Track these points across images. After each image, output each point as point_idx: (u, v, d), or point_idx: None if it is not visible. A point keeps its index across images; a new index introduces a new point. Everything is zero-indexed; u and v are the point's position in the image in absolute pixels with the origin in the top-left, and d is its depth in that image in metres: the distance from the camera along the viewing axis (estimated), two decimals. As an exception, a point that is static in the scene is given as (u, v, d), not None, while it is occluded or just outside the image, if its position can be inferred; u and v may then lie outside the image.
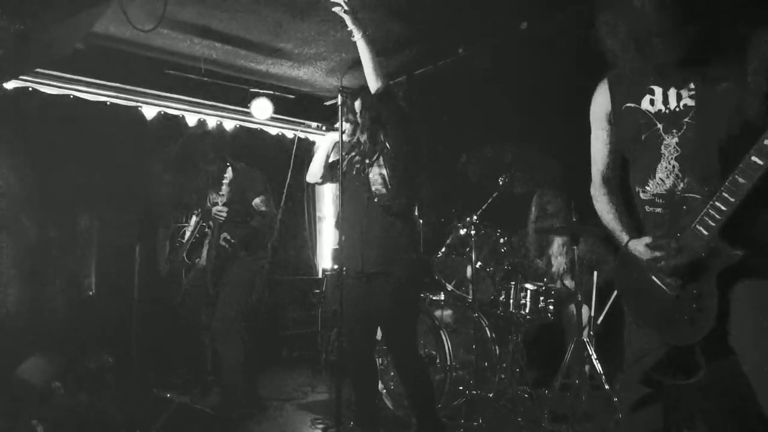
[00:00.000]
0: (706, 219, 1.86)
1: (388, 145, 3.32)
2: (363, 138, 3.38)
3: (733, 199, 1.81)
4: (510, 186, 4.46)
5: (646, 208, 2.08)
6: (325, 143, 3.61)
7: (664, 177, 1.99)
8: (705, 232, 1.87)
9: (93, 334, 5.07)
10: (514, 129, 4.97)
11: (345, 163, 3.39)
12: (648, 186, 2.04)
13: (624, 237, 2.12)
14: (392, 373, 4.24)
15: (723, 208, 1.83)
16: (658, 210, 2.03)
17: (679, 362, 2.03)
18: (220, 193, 4.12)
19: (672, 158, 1.98)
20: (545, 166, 4.36)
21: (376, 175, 3.29)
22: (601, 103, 2.21)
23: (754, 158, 1.76)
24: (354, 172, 3.39)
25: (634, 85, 2.09)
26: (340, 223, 3.44)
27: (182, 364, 5.46)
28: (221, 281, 4.24)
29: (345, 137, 3.40)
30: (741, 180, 1.78)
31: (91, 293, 5.38)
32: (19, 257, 5.18)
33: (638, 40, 1.91)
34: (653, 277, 2.04)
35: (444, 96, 5.82)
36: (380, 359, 4.31)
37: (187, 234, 4.42)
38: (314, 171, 3.61)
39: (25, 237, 5.22)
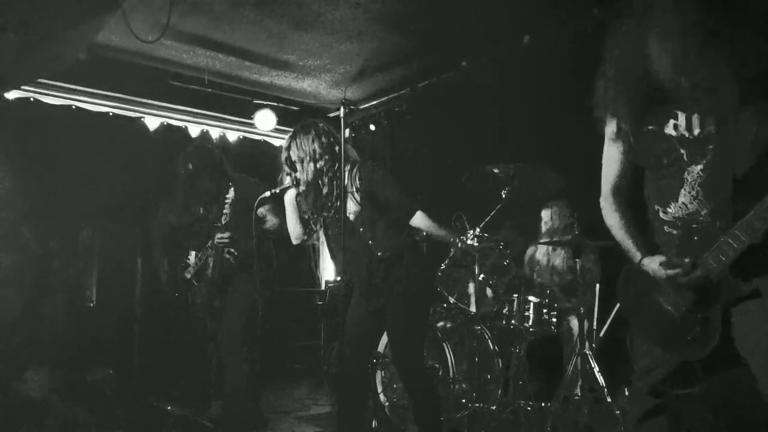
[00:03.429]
0: (718, 254, 1.90)
1: (357, 183, 3.21)
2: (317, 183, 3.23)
3: (746, 239, 1.85)
4: (513, 199, 4.45)
5: (665, 228, 2.10)
6: (289, 203, 3.38)
7: (687, 202, 2.03)
8: (714, 265, 1.91)
9: (93, 346, 5.05)
10: (517, 141, 4.97)
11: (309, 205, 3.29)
12: (670, 208, 2.07)
13: (637, 254, 2.11)
14: (395, 386, 4.21)
15: (735, 245, 1.87)
16: (677, 232, 2.06)
17: (680, 373, 2.06)
18: (224, 211, 4.09)
19: (696, 185, 2.01)
20: (548, 179, 4.34)
21: (364, 219, 3.21)
22: (618, 123, 2.18)
23: None
24: (335, 220, 3.25)
25: (657, 108, 2.09)
26: (343, 265, 3.34)
27: (183, 376, 5.43)
28: (226, 294, 4.21)
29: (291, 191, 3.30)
30: (757, 224, 1.82)
31: (91, 305, 5.36)
32: (19, 268, 5.16)
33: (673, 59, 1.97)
34: (660, 297, 2.06)
35: (447, 108, 5.82)
36: (383, 372, 4.29)
37: (194, 259, 4.36)
38: (295, 233, 3.41)
39: (26, 248, 5.21)
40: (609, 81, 2.13)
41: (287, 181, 3.30)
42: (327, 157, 3.24)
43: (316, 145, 3.23)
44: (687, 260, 1.95)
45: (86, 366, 4.84)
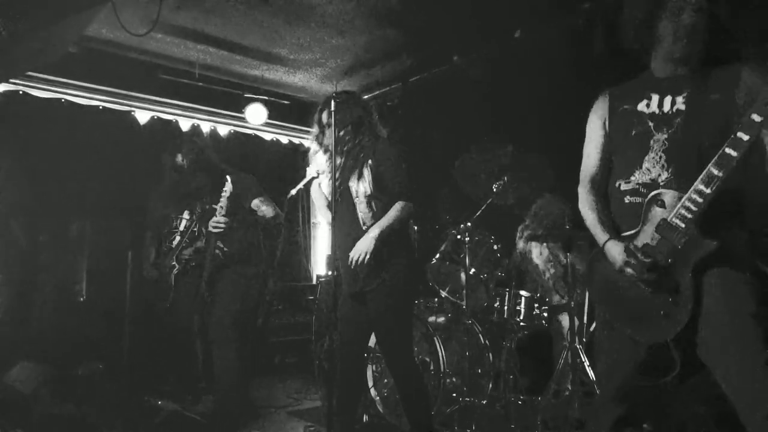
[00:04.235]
0: (682, 211, 1.96)
1: (370, 160, 3.23)
2: (341, 152, 3.25)
3: (708, 190, 1.91)
4: (504, 193, 4.46)
5: (626, 199, 2.17)
6: (314, 191, 3.41)
7: (650, 167, 2.11)
8: (681, 224, 1.96)
9: (83, 341, 5.03)
10: (509, 137, 4.97)
11: (329, 185, 3.30)
12: (633, 176, 2.15)
13: (602, 237, 2.19)
14: (386, 380, 4.22)
15: (699, 199, 1.92)
16: (638, 200, 2.12)
17: (655, 362, 2.07)
18: (219, 204, 4.08)
19: (660, 150, 2.10)
20: (539, 173, 4.36)
21: (362, 196, 3.22)
22: (599, 108, 2.35)
23: (728, 150, 1.88)
24: (339, 197, 3.28)
25: (634, 91, 2.24)
26: (332, 232, 3.34)
27: (173, 371, 5.41)
28: (216, 288, 4.20)
29: (322, 158, 3.31)
30: (715, 171, 1.89)
31: (81, 299, 5.34)
32: (8, 262, 5.13)
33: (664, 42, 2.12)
34: (626, 277, 2.09)
35: (439, 103, 5.82)
36: (374, 366, 4.29)
37: (177, 239, 4.38)
38: (327, 217, 3.39)
39: (15, 242, 5.18)
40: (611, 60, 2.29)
41: (310, 171, 3.33)
42: (349, 128, 3.25)
43: (345, 114, 3.25)
44: (646, 259, 2.00)
45: (76, 361, 4.81)
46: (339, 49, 5.43)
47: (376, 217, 3.20)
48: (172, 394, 5.00)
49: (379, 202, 3.22)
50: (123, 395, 4.81)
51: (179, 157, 4.31)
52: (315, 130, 3.36)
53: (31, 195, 5.23)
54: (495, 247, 4.47)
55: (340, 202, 3.27)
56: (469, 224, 4.37)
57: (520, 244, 4.93)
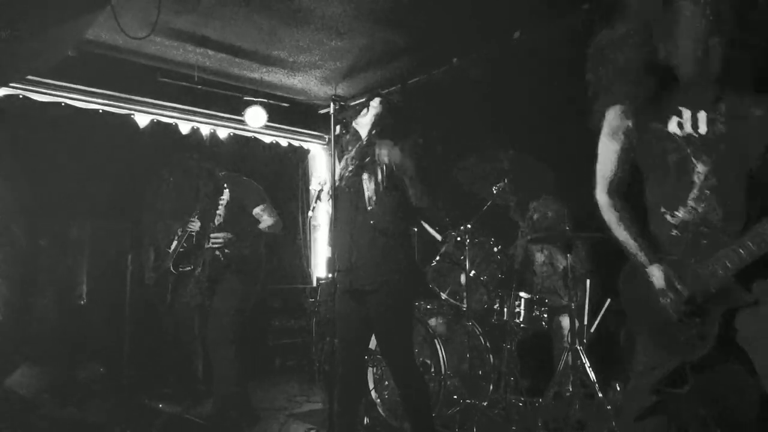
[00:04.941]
0: (726, 261, 1.88)
1: (386, 158, 3.20)
2: (365, 145, 3.28)
3: (756, 250, 1.83)
4: (504, 195, 4.46)
5: (672, 232, 2.06)
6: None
7: (695, 205, 1.99)
8: (721, 272, 1.90)
9: (83, 344, 5.03)
10: (508, 138, 4.97)
11: (338, 176, 3.33)
12: (678, 212, 2.03)
13: (646, 261, 2.07)
14: (387, 383, 4.21)
15: (744, 255, 1.85)
16: (686, 235, 2.02)
17: (671, 373, 2.08)
18: (217, 212, 4.08)
19: (705, 188, 1.96)
20: (539, 175, 4.36)
21: (371, 191, 3.21)
22: (620, 116, 2.14)
23: None
24: (346, 188, 3.29)
25: (659, 104, 2.05)
26: (333, 238, 3.33)
27: (174, 373, 5.41)
28: (216, 291, 4.20)
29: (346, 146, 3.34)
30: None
31: (82, 302, 5.34)
32: (9, 266, 5.13)
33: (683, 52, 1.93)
34: (659, 298, 2.05)
35: (438, 105, 5.83)
36: (375, 368, 4.29)
37: (174, 244, 4.39)
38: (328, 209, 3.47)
39: (16, 245, 5.18)
40: (616, 70, 2.05)
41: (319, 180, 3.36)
42: (379, 128, 3.29)
43: (366, 115, 3.31)
44: (684, 292, 1.95)
45: (77, 364, 4.82)
46: (338, 51, 5.43)
47: (387, 214, 3.19)
48: (173, 397, 5.01)
49: (392, 199, 3.21)
50: (124, 398, 4.81)
51: (171, 179, 4.33)
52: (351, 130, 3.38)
53: (32, 198, 5.23)
54: (495, 249, 4.47)
55: (347, 196, 3.27)
56: (469, 226, 4.38)
57: (520, 246, 4.93)
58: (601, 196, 2.23)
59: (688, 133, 1.98)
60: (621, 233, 2.16)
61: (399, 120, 3.36)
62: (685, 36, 1.93)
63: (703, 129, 1.96)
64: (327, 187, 3.34)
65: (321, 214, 7.21)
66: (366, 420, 4.27)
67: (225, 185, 4.13)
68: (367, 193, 3.21)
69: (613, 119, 2.16)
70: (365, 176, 3.22)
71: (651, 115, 2.07)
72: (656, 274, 2.03)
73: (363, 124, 3.34)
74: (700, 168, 1.96)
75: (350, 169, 3.29)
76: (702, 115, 1.97)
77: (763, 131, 1.89)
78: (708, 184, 1.95)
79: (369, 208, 3.19)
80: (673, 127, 2.01)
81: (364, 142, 3.30)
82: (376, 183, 3.19)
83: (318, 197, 3.33)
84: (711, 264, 1.93)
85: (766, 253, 1.83)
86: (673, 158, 2.02)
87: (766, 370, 1.87)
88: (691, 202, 1.99)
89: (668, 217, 2.07)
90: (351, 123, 3.35)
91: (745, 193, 1.89)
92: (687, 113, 1.99)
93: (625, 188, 2.22)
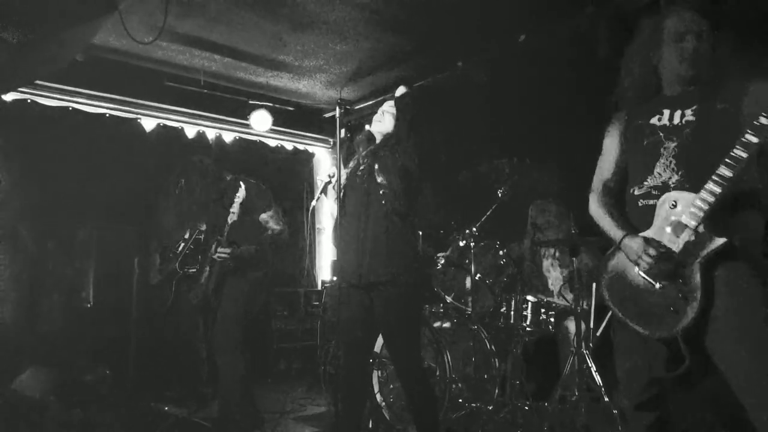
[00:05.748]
0: (693, 210, 2.03)
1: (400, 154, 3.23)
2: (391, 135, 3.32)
3: (718, 190, 1.98)
4: (509, 198, 4.46)
5: (639, 202, 2.23)
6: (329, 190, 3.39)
7: (661, 171, 2.18)
8: (692, 222, 2.03)
9: (90, 347, 5.04)
10: (513, 141, 4.98)
11: (348, 171, 3.34)
12: (646, 182, 2.22)
13: (619, 233, 2.25)
14: (392, 386, 4.21)
15: (709, 198, 2.00)
16: (651, 202, 2.18)
17: (667, 358, 2.14)
18: (231, 210, 4.08)
19: (670, 156, 2.17)
20: (544, 178, 4.36)
21: (385, 184, 3.17)
22: (617, 124, 2.43)
23: (737, 151, 1.97)
24: (358, 180, 3.29)
25: (647, 108, 2.31)
26: (338, 230, 3.26)
27: (179, 376, 5.42)
28: (221, 294, 4.21)
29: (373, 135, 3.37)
30: (726, 172, 1.98)
31: (88, 305, 5.35)
32: (16, 269, 5.16)
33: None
34: (639, 272, 2.16)
35: (443, 109, 5.83)
36: (380, 371, 4.29)
37: (182, 246, 4.41)
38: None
39: (23, 249, 5.21)
40: (628, 79, 2.37)
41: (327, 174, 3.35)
42: (385, 128, 3.35)
43: (386, 114, 3.37)
44: (661, 249, 2.08)
45: (83, 367, 4.83)
46: (343, 55, 5.45)
47: (402, 206, 3.18)
48: (179, 400, 5.02)
49: (405, 195, 3.20)
50: (130, 401, 4.83)
51: (182, 182, 4.34)
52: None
53: (39, 201, 5.27)
54: (500, 252, 4.47)
55: (359, 188, 3.27)
56: (474, 230, 4.38)
57: (526, 249, 4.92)
58: (592, 193, 2.46)
59: (664, 123, 2.24)
60: (602, 219, 2.37)
61: (415, 120, 3.37)
62: (667, 50, 2.24)
63: (676, 120, 2.22)
64: (335, 180, 3.32)
65: (324, 217, 7.23)
66: (371, 423, 4.27)
67: (240, 183, 4.14)
68: (380, 187, 3.18)
69: (611, 128, 2.45)
70: (378, 167, 3.20)
71: (639, 116, 2.33)
72: (628, 243, 2.19)
73: (382, 123, 3.38)
74: (667, 144, 2.19)
75: (362, 167, 3.30)
76: (678, 113, 2.22)
77: (726, 119, 2.10)
78: (672, 153, 2.17)
79: (383, 201, 3.18)
80: (653, 120, 2.27)
81: (379, 141, 3.32)
82: (391, 177, 3.17)
83: (324, 190, 3.32)
84: (681, 218, 2.06)
85: (729, 194, 1.98)
86: (648, 140, 2.25)
87: (738, 382, 1.97)
88: (656, 169, 2.19)
89: (636, 190, 2.25)
90: (364, 124, 3.38)
91: (705, 165, 2.03)
92: (667, 111, 2.25)
93: (617, 191, 2.41)
